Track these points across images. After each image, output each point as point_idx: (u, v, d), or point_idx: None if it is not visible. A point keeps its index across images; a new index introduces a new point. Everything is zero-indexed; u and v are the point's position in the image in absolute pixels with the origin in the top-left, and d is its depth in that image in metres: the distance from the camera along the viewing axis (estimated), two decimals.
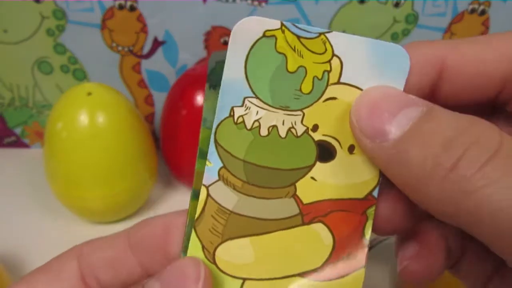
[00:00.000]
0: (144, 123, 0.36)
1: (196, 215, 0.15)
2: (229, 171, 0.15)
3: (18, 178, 0.40)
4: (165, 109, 0.38)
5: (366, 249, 0.15)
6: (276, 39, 0.14)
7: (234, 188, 0.15)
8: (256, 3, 0.36)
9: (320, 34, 0.14)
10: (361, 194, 0.15)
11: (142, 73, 0.40)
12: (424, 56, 0.15)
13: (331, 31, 0.14)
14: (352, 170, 0.15)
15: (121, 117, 0.33)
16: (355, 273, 0.15)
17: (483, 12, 0.38)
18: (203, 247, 0.15)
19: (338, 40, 0.14)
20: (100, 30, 0.37)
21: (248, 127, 0.15)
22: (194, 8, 0.36)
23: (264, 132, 0.15)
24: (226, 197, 0.15)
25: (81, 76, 0.39)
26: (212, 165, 0.15)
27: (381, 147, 0.13)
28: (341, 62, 0.14)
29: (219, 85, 0.14)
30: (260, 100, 0.15)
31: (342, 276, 0.15)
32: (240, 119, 0.15)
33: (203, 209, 0.15)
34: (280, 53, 0.14)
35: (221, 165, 0.15)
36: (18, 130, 0.43)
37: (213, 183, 0.15)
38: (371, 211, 0.15)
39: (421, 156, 0.13)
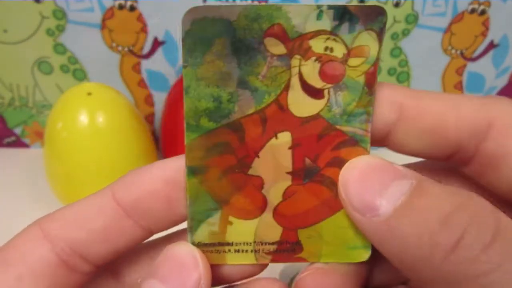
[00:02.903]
0: (144, 123, 0.36)
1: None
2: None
3: (18, 178, 0.40)
4: (165, 109, 0.38)
5: None
6: None
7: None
8: (256, 3, 0.36)
9: None
10: None
11: (142, 73, 0.40)
12: (384, 98, 0.14)
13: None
14: None
15: (121, 117, 0.33)
16: None
17: (483, 12, 0.38)
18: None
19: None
20: (100, 30, 0.37)
21: None
22: None
23: None
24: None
25: (81, 76, 0.39)
26: None
27: (372, 222, 0.13)
28: None
29: (198, 49, 0.13)
30: None
31: None
32: None
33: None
34: None
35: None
36: (18, 130, 0.43)
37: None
38: None
39: (417, 233, 0.12)
